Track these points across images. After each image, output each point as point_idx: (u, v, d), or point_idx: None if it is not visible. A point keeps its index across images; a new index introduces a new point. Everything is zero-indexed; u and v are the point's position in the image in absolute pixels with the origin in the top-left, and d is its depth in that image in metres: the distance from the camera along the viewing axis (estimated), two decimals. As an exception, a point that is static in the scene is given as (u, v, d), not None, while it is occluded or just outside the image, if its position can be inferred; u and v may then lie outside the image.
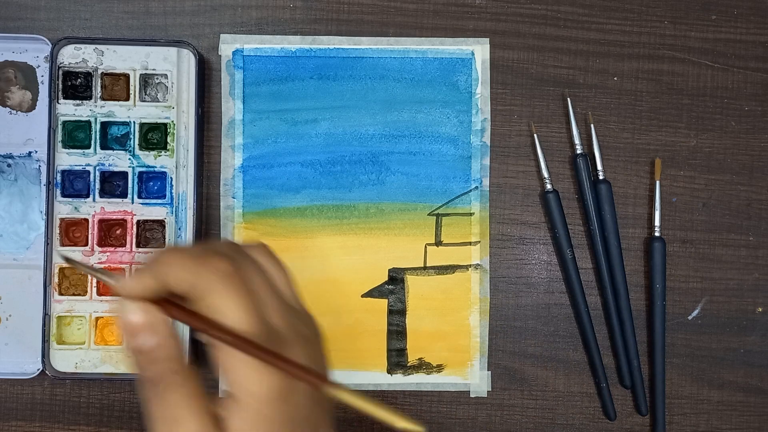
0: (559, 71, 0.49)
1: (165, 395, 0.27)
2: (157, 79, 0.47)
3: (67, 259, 0.32)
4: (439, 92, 0.49)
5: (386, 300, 0.48)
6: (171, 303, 0.27)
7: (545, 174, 0.48)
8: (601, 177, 0.48)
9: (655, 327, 0.48)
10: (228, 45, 0.48)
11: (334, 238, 0.48)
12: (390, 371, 0.48)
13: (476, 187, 0.49)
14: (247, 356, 0.26)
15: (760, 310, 0.49)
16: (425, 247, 0.48)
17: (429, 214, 0.49)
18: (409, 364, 0.48)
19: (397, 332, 0.48)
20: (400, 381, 0.48)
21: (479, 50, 0.49)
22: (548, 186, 0.48)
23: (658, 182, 0.48)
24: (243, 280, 0.27)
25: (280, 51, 0.49)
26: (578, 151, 0.48)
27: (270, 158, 0.48)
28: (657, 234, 0.48)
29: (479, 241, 0.48)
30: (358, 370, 0.48)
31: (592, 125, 0.48)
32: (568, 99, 0.48)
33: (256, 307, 0.27)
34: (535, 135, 0.48)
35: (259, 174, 0.48)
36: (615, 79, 0.49)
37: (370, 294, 0.48)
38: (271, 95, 0.49)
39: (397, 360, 0.48)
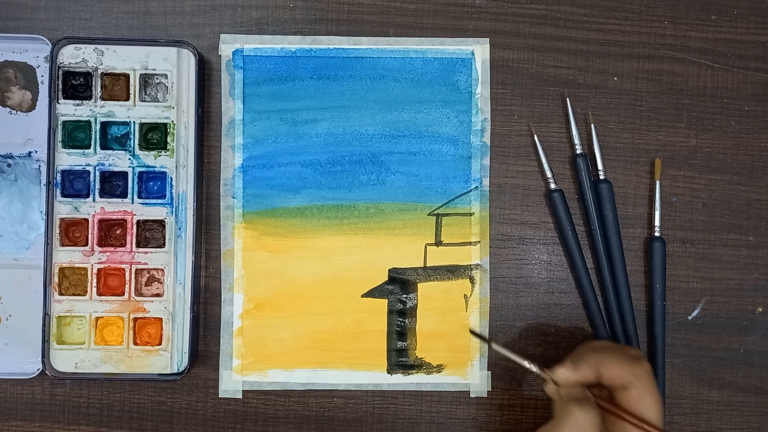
0: (559, 71, 0.49)
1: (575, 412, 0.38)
2: (157, 79, 0.47)
3: (484, 338, 0.47)
4: (439, 92, 0.49)
5: (386, 300, 0.48)
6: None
7: (548, 174, 0.48)
8: (601, 177, 0.48)
9: (655, 327, 0.48)
10: (228, 45, 0.48)
11: (334, 238, 0.48)
12: (390, 371, 0.48)
13: (476, 187, 0.48)
14: None
15: (760, 310, 0.49)
16: (425, 247, 0.48)
17: (429, 214, 0.49)
18: (409, 364, 0.48)
19: (397, 332, 0.48)
20: (400, 381, 0.48)
21: (479, 50, 0.49)
22: (552, 185, 0.48)
23: (658, 182, 0.48)
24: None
25: (280, 51, 0.49)
26: (578, 151, 0.48)
27: (270, 158, 0.48)
28: (657, 234, 0.48)
29: (479, 241, 0.48)
30: (358, 370, 0.48)
31: (592, 125, 0.48)
32: (568, 99, 0.48)
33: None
34: (535, 135, 0.48)
35: (259, 174, 0.48)
36: (615, 79, 0.49)
37: (370, 294, 0.48)
38: (271, 95, 0.49)
39: (397, 360, 0.48)
